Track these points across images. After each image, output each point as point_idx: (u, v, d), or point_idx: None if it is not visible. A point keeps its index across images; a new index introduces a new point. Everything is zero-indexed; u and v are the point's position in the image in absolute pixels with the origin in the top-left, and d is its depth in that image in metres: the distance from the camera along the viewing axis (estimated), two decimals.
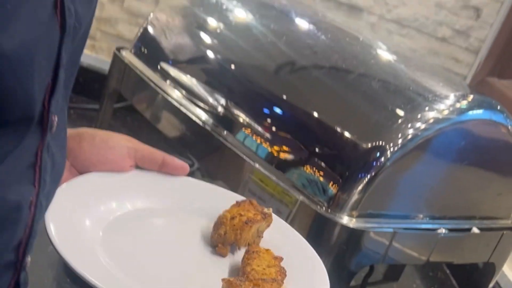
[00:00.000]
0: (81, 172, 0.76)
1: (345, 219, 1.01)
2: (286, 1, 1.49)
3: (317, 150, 1.06)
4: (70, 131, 0.68)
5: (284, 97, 1.17)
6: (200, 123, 1.21)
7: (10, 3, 0.46)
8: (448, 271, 1.60)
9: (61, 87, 0.56)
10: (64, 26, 0.53)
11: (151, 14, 1.44)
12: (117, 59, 1.43)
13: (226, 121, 1.18)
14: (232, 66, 1.27)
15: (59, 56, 0.54)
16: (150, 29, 1.43)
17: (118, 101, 1.51)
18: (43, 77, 0.53)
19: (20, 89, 0.49)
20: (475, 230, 1.21)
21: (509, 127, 1.20)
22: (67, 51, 0.55)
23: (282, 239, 0.77)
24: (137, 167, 0.80)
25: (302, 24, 1.40)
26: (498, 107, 1.19)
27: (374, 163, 1.01)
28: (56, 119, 0.57)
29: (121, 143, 0.79)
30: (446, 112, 1.09)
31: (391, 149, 1.01)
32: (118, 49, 1.45)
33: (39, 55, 0.50)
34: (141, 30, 1.44)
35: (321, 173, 1.03)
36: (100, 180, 0.75)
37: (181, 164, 0.82)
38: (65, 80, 0.57)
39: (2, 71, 0.47)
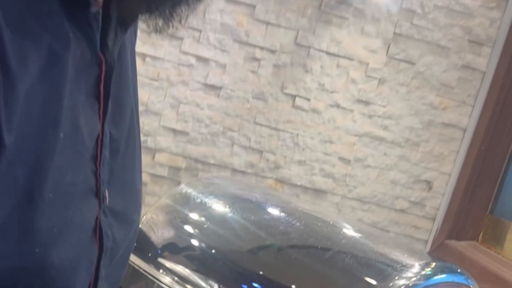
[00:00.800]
0: None
1: None
2: (260, 194, 1.70)
3: None
4: None
5: (269, 276, 1.33)
6: None
7: (57, 227, 0.60)
8: None
9: None
10: (102, 247, 0.67)
11: (144, 217, 1.63)
12: None
13: None
14: (217, 253, 1.44)
15: (98, 269, 0.67)
16: (143, 228, 1.60)
17: None
18: (84, 283, 0.66)
19: None
20: None
21: (471, 286, 1.37)
22: (105, 266, 0.68)
23: None
24: None
25: (279, 213, 1.59)
26: (459, 270, 1.36)
27: None
28: None
29: None
30: (414, 279, 1.26)
31: None
32: None
33: (80, 267, 0.65)
34: None
35: None
36: None
37: None
38: None
39: (51, 278, 0.60)
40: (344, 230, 1.56)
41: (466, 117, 2.47)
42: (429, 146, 2.48)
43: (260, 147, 2.39)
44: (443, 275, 1.32)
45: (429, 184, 2.50)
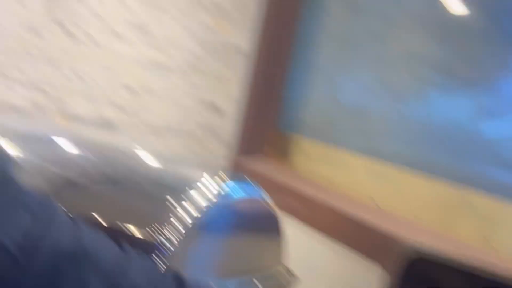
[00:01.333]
0: None
1: None
2: (48, 131, 1.61)
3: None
4: None
5: (69, 211, 1.28)
6: None
7: None
8: None
9: None
10: None
11: None
12: None
13: None
14: None
15: None
16: None
17: None
18: None
19: None
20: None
21: (267, 200, 1.45)
22: None
23: None
24: None
25: (71, 148, 1.52)
26: (255, 187, 1.43)
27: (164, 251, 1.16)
28: None
29: None
30: (215, 199, 1.29)
31: (176, 236, 1.17)
32: None
33: None
34: None
35: None
36: None
37: None
38: None
39: None
40: (142, 158, 1.54)
41: (246, 40, 2.52)
42: (215, 72, 2.51)
43: (41, 83, 2.25)
44: (242, 193, 1.38)
45: (218, 108, 2.55)
